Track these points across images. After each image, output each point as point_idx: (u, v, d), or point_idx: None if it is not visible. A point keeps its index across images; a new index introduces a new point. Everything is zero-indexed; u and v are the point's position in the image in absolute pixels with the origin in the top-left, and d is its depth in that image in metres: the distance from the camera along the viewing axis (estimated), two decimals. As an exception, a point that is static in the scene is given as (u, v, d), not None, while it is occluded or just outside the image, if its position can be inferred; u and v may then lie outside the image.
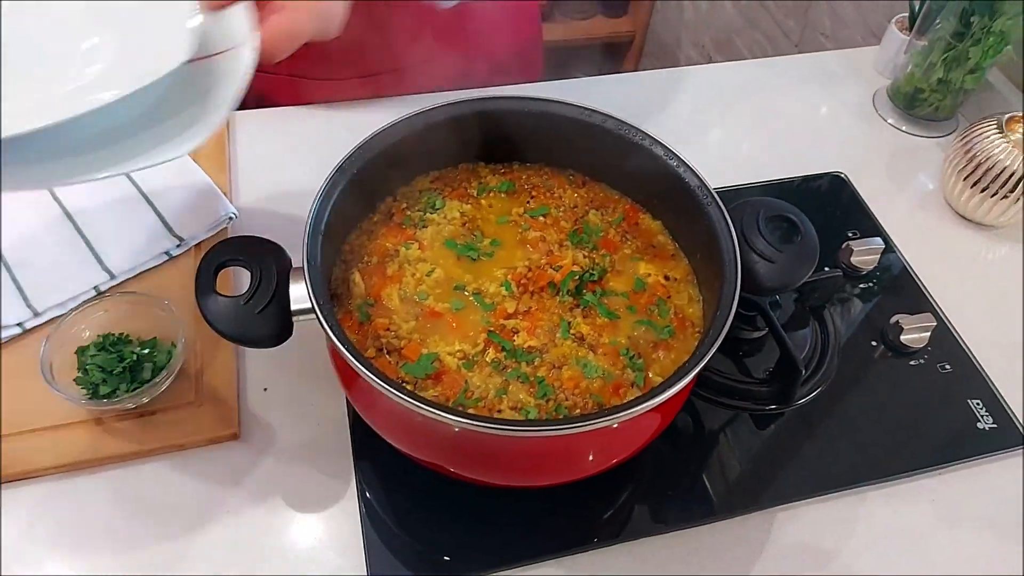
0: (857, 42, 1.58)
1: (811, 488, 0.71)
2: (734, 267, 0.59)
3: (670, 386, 0.53)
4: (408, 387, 0.59)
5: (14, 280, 0.76)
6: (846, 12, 1.61)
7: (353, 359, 0.52)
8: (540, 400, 0.59)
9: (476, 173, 0.75)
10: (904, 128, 1.06)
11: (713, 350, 0.54)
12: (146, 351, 0.71)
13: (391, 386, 0.51)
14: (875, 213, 0.95)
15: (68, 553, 0.64)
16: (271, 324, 0.57)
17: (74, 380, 0.69)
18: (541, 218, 0.71)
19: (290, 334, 0.58)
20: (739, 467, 0.72)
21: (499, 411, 0.59)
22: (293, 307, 0.58)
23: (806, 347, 0.80)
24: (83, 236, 0.80)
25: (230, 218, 0.83)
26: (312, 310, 0.55)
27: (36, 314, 0.75)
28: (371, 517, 0.67)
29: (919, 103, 1.04)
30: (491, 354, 0.61)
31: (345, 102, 1.00)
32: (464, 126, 0.70)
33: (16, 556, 0.64)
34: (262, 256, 0.59)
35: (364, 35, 0.92)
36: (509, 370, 0.60)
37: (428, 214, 0.70)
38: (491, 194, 0.73)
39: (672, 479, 0.71)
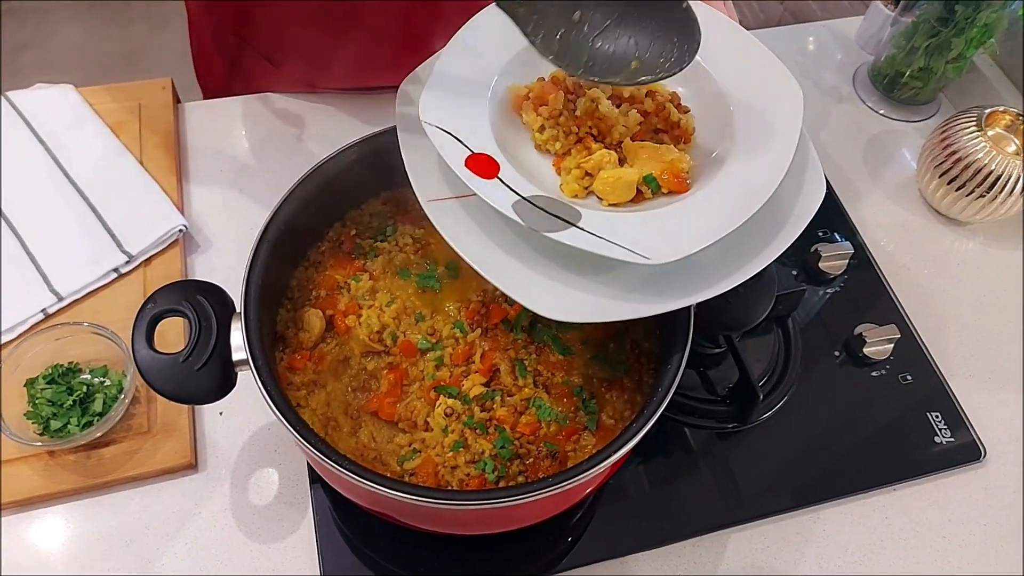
0: (844, 8, 1.52)
1: (766, 508, 0.71)
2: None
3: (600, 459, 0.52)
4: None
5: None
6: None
7: (289, 425, 0.51)
8: (499, 449, 0.59)
9: (430, 191, 0.72)
10: (882, 111, 1.03)
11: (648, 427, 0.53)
12: (97, 380, 0.70)
13: (324, 454, 0.50)
14: (847, 208, 0.93)
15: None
16: (212, 379, 0.55)
17: (24, 415, 0.68)
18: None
19: (232, 386, 0.57)
20: (696, 489, 0.72)
21: (455, 466, 0.58)
22: (234, 357, 0.56)
23: (768, 356, 0.79)
24: (29, 253, 0.78)
25: (180, 230, 0.80)
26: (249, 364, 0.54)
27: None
28: (327, 547, 0.67)
29: (899, 87, 1.00)
30: (443, 402, 0.60)
31: (307, 92, 0.95)
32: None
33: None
34: (201, 303, 0.57)
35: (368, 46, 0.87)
36: (464, 418, 0.60)
37: (378, 242, 0.68)
38: (446, 213, 0.70)
39: (624, 504, 0.71)
